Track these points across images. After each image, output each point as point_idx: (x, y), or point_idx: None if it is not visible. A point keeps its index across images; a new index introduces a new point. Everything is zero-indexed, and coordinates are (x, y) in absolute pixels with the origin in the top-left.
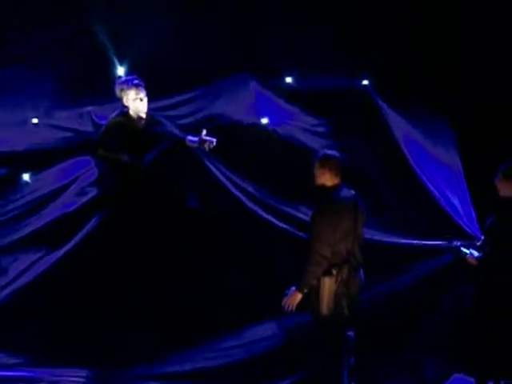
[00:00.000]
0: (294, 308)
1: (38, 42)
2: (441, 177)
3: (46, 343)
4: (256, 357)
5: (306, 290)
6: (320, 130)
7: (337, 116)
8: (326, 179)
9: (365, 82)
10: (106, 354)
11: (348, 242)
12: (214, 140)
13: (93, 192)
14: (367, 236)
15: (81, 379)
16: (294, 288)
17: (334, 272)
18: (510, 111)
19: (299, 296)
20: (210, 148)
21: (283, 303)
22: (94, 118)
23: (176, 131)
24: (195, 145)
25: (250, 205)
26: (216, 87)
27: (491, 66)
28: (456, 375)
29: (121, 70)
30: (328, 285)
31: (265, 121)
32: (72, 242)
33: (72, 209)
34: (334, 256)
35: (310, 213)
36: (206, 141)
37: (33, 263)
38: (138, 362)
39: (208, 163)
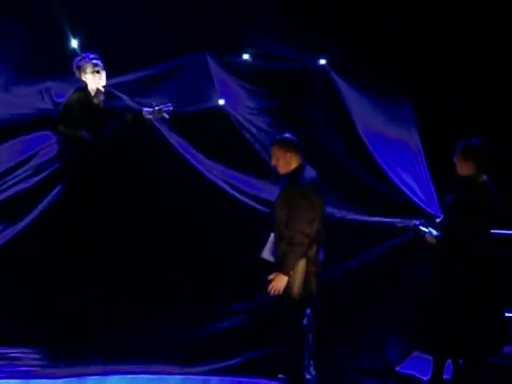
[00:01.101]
0: (280, 291)
1: None
2: (398, 156)
3: (4, 320)
4: (216, 332)
5: (291, 272)
6: (274, 110)
7: (294, 96)
8: (292, 162)
9: (322, 62)
10: (65, 331)
11: (318, 220)
12: (170, 104)
13: (51, 168)
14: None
15: (41, 356)
16: (277, 272)
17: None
18: (470, 87)
19: (286, 279)
20: (167, 114)
21: (269, 289)
22: (53, 95)
23: (133, 105)
24: (152, 115)
25: (214, 179)
26: (174, 65)
27: (452, 39)
28: (416, 353)
29: (78, 46)
30: (301, 265)
31: (222, 102)
32: (28, 219)
33: (30, 184)
34: None
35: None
36: (161, 109)
37: None
38: (96, 340)
39: (169, 138)
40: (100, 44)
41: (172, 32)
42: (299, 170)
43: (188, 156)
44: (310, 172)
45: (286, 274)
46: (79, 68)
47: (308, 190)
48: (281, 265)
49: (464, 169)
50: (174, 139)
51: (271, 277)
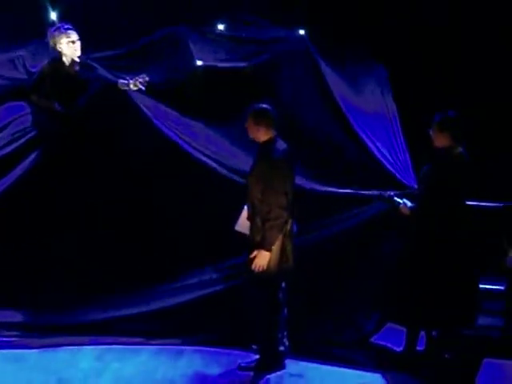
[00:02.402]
0: (264, 268)
1: None
2: (375, 127)
3: None
4: (190, 302)
5: (273, 247)
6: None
7: (271, 66)
8: (261, 134)
9: (301, 32)
10: (37, 302)
11: (291, 193)
12: (145, 75)
13: (25, 138)
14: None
15: (15, 327)
16: (259, 249)
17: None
18: (446, 59)
19: (268, 255)
20: (143, 85)
21: (253, 266)
22: (27, 65)
23: (108, 75)
24: (127, 87)
25: (190, 149)
26: (152, 39)
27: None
28: (390, 325)
29: (54, 16)
30: (279, 240)
31: (199, 62)
32: (1, 188)
33: (3, 153)
34: None
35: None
36: (136, 80)
37: None
38: (69, 311)
39: (144, 108)
40: (78, 17)
41: (149, 6)
42: (271, 143)
43: (164, 127)
44: (281, 144)
45: (268, 250)
46: (54, 38)
47: (281, 163)
48: (262, 241)
49: (440, 141)
50: (149, 109)
51: (253, 254)
